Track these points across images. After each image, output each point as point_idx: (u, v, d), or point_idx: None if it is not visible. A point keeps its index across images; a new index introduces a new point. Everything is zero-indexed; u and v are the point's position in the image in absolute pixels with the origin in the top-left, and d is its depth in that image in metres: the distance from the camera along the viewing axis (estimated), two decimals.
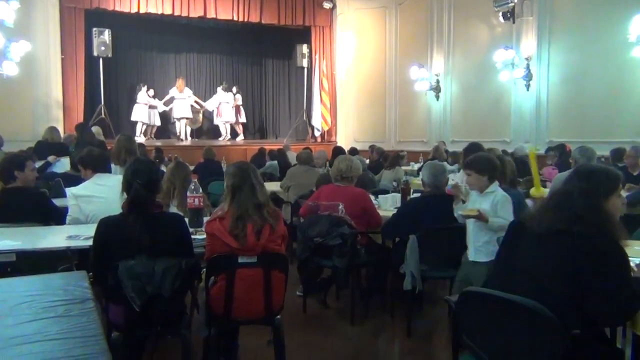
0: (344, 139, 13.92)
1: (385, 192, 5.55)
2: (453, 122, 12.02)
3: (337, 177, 4.48)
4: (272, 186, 6.31)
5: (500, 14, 10.52)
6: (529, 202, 3.99)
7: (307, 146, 10.11)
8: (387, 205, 4.89)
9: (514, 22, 10.50)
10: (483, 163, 3.44)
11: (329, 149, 9.68)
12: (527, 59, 10.26)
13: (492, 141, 9.39)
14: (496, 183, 3.44)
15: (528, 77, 10.26)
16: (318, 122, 14.23)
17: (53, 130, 8.23)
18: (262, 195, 3.01)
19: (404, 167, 8.17)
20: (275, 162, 8.94)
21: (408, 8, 13.09)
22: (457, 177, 5.59)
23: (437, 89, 12.31)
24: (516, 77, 10.41)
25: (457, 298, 2.28)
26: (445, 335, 4.05)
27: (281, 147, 10.44)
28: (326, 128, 14.28)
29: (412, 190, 5.03)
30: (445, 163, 6.30)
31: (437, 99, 12.36)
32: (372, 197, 4.79)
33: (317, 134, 14.40)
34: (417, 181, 5.89)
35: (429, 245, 3.79)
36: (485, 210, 3.32)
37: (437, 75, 12.28)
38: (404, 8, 13.21)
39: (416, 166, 9.30)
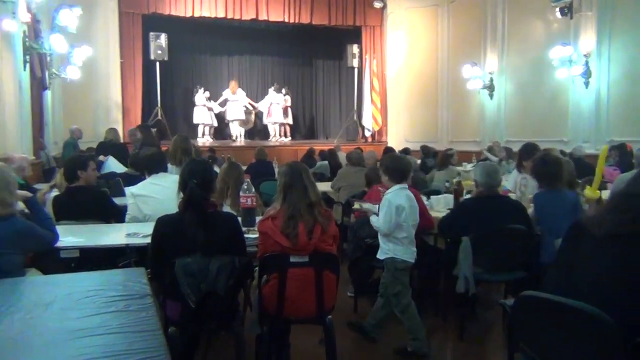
0: (395, 139, 13.85)
1: (437, 192, 5.46)
2: (508, 122, 11.73)
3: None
4: (322, 186, 6.26)
5: (558, 9, 10.18)
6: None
7: (357, 146, 10.10)
8: (439, 206, 4.81)
9: (571, 18, 10.14)
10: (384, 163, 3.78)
11: (380, 149, 9.63)
12: (586, 55, 9.89)
13: (549, 141, 9.11)
14: (397, 185, 3.62)
15: (587, 74, 9.89)
16: (369, 122, 14.22)
17: (113, 131, 8.65)
18: (314, 195, 3.03)
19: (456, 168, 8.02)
20: (326, 162, 9.00)
21: (460, 5, 12.86)
22: (511, 178, 5.48)
23: (490, 88, 12.04)
24: (574, 75, 10.06)
25: (514, 302, 2.22)
26: (499, 340, 3.95)
27: (332, 147, 10.47)
28: (377, 128, 14.24)
29: (464, 191, 4.93)
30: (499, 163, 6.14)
31: (491, 98, 12.09)
32: (424, 198, 4.73)
33: (367, 134, 14.39)
34: (469, 182, 5.78)
35: (483, 247, 3.71)
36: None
37: (490, 73, 12.01)
38: (456, 6, 12.99)
39: (469, 166, 9.12)
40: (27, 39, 7.64)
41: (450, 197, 4.94)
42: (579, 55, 10.01)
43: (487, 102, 12.17)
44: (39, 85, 8.70)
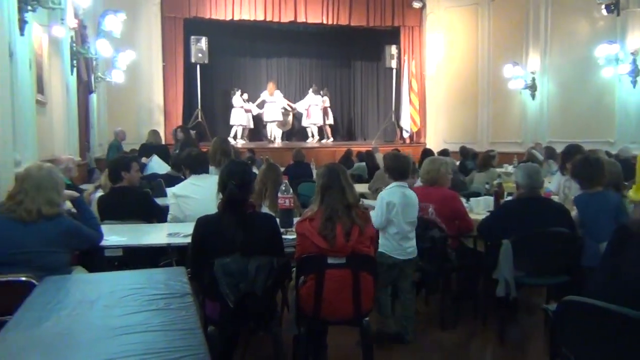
0: (434, 140, 13.65)
1: (477, 194, 5.38)
2: (550, 122, 11.45)
3: (427, 178, 4.39)
4: (360, 188, 6.23)
5: (603, 6, 9.87)
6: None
7: (395, 148, 10.03)
8: (479, 209, 4.74)
9: (618, 15, 9.81)
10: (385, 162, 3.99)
11: (418, 151, 9.54)
12: (633, 53, 9.56)
13: (593, 142, 8.83)
14: (395, 183, 3.82)
15: (635, 72, 9.55)
16: (407, 123, 14.06)
17: (155, 133, 8.85)
18: (352, 197, 3.03)
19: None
20: (363, 163, 8.95)
21: (502, 4, 12.62)
22: (555, 179, 5.36)
23: (532, 87, 11.77)
24: (621, 73, 9.73)
25: (556, 307, 2.17)
26: (540, 345, 3.86)
27: (369, 148, 10.43)
28: (415, 129, 14.07)
29: (505, 193, 4.84)
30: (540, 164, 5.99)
31: (533, 98, 11.81)
32: (463, 200, 4.67)
33: (405, 135, 14.25)
34: (510, 184, 5.67)
35: (524, 250, 3.63)
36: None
37: (532, 73, 11.75)
38: (497, 4, 12.75)
39: (510, 168, 8.93)
40: (74, 44, 7.89)
41: (490, 200, 4.86)
42: (625, 54, 9.68)
43: (529, 102, 11.90)
44: (85, 89, 8.97)
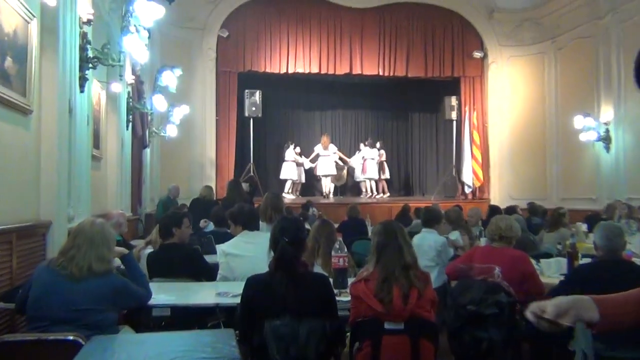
0: (498, 196, 13.34)
1: (548, 255, 5.17)
2: (628, 177, 10.97)
3: (495, 237, 4.25)
4: None
5: None
6: None
7: (456, 204, 9.85)
8: (550, 271, 4.54)
9: None
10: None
11: (482, 207, 9.33)
12: None
13: None
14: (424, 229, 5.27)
15: None
16: (469, 177, 13.81)
17: (208, 189, 9.09)
18: (410, 256, 2.98)
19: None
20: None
21: (569, 52, 12.49)
22: (636, 240, 5.09)
23: (606, 139, 11.39)
24: None
25: None
26: None
27: (429, 204, 10.27)
28: (478, 184, 13.80)
29: (580, 255, 4.63)
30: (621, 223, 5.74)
31: (608, 151, 11.42)
32: (533, 261, 4.49)
33: (467, 190, 13.97)
34: (586, 244, 5.43)
35: None
36: None
37: (606, 124, 11.41)
38: (564, 52, 12.63)
39: (584, 227, 8.57)
40: (130, 100, 8.27)
41: (562, 261, 4.66)
42: None
43: (604, 155, 11.50)
44: (139, 143, 9.36)
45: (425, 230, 5.57)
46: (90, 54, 5.41)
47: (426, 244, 5.36)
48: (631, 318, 1.54)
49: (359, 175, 14.69)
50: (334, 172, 14.45)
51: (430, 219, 5.73)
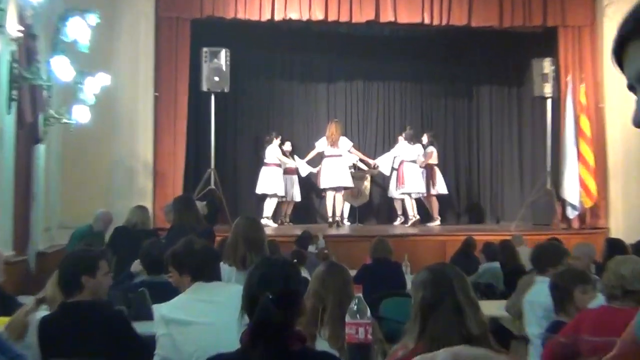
0: (623, 224, 9.79)
1: None
2: None
3: (616, 291, 3.36)
4: (491, 307, 4.93)
5: None
6: None
7: (553, 236, 7.30)
8: None
9: None
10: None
11: (596, 242, 7.02)
12: None
13: None
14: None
15: None
16: (574, 193, 9.98)
17: (140, 212, 6.82)
18: (476, 324, 2.40)
19: None
20: (497, 264, 6.74)
21: None
22: None
23: None
24: None
25: None
26: None
27: (507, 237, 7.68)
28: (589, 204, 10.00)
29: None
30: None
31: None
32: None
33: (571, 214, 10.17)
34: None
35: None
36: None
37: None
38: None
39: None
40: (15, 65, 6.14)
41: None
42: None
43: None
44: (28, 137, 7.03)
45: (541, 279, 4.44)
46: None
47: (543, 301, 4.13)
48: None
49: (391, 190, 11.23)
50: (350, 183, 10.62)
51: (547, 258, 4.61)
